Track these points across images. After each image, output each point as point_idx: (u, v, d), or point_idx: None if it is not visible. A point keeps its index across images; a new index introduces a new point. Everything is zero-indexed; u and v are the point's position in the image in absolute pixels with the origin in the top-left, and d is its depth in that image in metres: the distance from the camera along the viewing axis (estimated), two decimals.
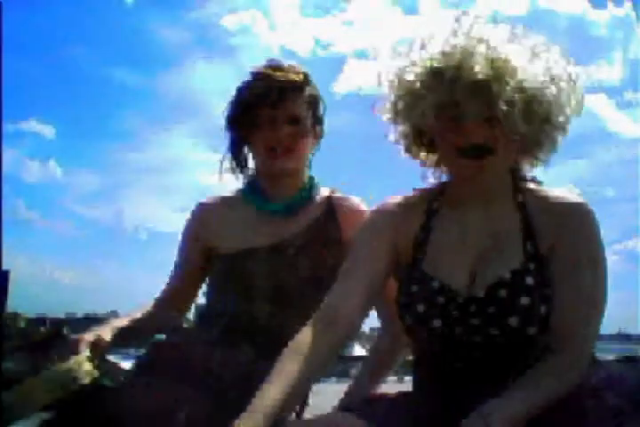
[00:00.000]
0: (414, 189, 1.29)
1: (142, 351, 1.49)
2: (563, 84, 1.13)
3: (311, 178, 1.60)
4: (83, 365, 1.25)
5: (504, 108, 1.06)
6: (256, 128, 1.51)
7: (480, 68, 1.07)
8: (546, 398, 1.01)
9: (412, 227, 1.21)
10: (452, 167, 1.18)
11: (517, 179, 1.22)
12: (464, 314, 1.11)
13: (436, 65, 1.10)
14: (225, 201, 1.63)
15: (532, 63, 1.11)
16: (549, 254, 1.13)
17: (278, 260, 1.48)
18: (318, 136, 1.60)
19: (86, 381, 1.23)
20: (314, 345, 1.09)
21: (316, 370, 1.09)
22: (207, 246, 1.58)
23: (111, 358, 1.37)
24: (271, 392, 1.01)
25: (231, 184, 1.66)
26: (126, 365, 1.50)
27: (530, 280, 1.10)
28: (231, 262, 1.51)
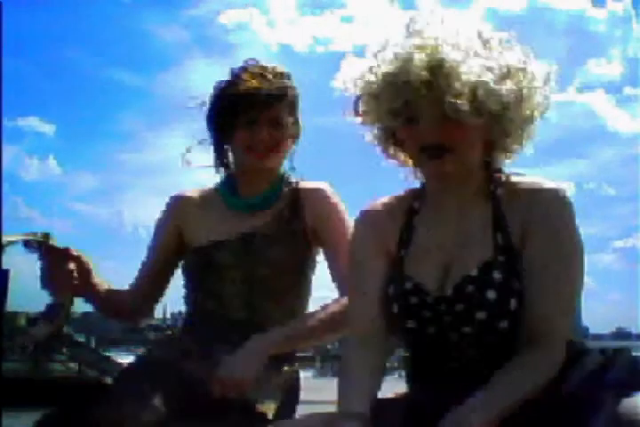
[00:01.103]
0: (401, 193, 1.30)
1: (141, 350, 1.51)
2: (522, 78, 1.12)
3: (283, 175, 1.63)
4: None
5: (452, 103, 1.06)
6: (237, 129, 1.53)
7: (420, 69, 1.07)
8: (523, 394, 1.01)
9: (395, 228, 1.23)
10: (419, 165, 1.19)
11: (491, 171, 1.20)
12: (436, 313, 1.11)
13: (387, 68, 1.11)
14: (199, 195, 1.66)
15: (481, 58, 1.09)
16: (521, 244, 1.12)
17: (246, 251, 1.51)
18: (296, 136, 1.61)
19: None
20: (366, 366, 1.16)
21: (377, 384, 1.17)
22: (180, 239, 1.62)
23: (112, 355, 1.40)
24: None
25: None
26: (125, 360, 1.53)
27: (497, 274, 1.09)
28: (200, 255, 1.54)
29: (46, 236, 1.44)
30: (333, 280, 1.55)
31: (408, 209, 1.24)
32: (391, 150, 1.24)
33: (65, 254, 1.45)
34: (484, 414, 0.96)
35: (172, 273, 1.66)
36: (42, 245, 1.42)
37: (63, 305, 1.44)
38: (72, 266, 1.45)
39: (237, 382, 1.30)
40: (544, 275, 1.08)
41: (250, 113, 1.51)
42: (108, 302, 1.58)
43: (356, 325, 1.22)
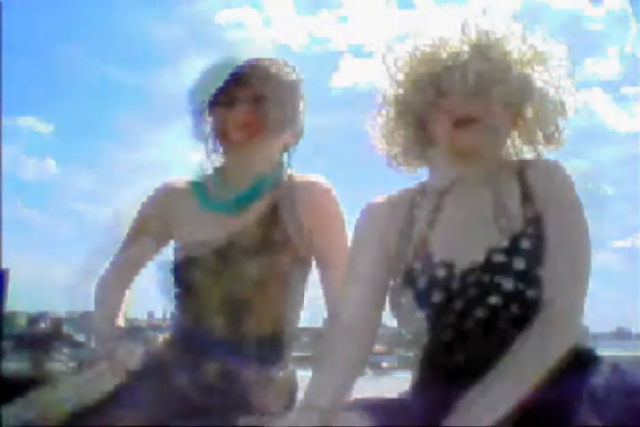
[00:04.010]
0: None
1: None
2: (553, 64, 1.19)
3: (270, 173, 1.46)
4: (106, 375, 1.23)
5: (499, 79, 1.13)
6: (216, 108, 1.43)
7: (466, 42, 1.15)
8: (531, 377, 0.98)
9: (397, 223, 1.25)
10: (449, 140, 1.18)
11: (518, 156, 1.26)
12: (464, 285, 1.10)
13: (424, 48, 1.18)
14: (185, 189, 1.53)
15: (519, 40, 1.17)
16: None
17: (224, 266, 1.38)
18: (296, 134, 1.49)
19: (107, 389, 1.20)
20: (349, 356, 1.17)
21: (352, 380, 1.17)
22: (162, 230, 1.51)
23: None
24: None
25: None
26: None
27: (526, 243, 1.09)
28: (177, 271, 1.44)
29: None
30: (326, 303, 1.43)
31: (410, 204, 1.26)
32: (407, 135, 1.26)
33: None
34: (487, 407, 0.95)
35: (145, 262, 1.56)
36: None
37: None
38: None
39: None
40: (558, 227, 1.10)
41: (230, 89, 1.39)
42: None
43: (345, 312, 1.22)
